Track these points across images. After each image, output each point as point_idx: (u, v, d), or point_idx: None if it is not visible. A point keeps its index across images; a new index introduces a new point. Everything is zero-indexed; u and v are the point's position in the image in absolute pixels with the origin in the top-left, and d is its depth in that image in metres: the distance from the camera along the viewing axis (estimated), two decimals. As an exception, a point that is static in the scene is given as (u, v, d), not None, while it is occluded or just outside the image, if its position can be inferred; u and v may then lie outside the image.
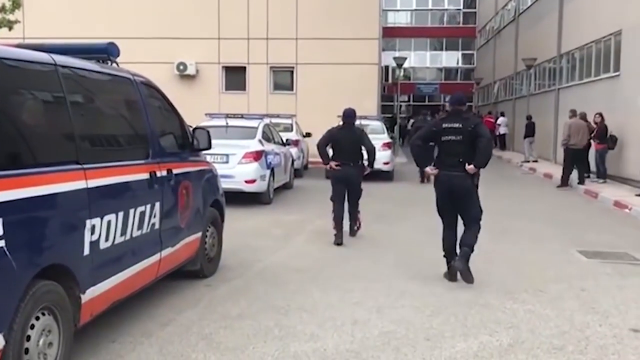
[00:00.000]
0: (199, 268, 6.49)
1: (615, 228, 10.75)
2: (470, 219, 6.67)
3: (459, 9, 56.63)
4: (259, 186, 12.12)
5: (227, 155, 11.86)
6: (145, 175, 5.10)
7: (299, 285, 6.51)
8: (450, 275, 6.78)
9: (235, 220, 9.60)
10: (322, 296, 6.12)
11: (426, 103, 52.28)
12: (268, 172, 12.42)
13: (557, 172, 18.72)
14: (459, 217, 6.78)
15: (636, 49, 15.65)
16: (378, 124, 18.48)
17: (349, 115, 8.93)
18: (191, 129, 6.41)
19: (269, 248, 8.36)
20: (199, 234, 6.34)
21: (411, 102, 55.88)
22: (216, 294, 6.15)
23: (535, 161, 23.14)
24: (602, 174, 16.14)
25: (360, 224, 9.33)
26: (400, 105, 29.92)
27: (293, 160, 15.70)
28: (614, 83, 17.19)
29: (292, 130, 18.20)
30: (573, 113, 17.08)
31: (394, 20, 56.20)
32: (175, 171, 5.65)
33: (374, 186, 13.09)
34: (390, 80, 33.44)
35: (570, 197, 14.93)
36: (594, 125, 16.12)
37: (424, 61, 57.24)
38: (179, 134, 6.21)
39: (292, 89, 24.23)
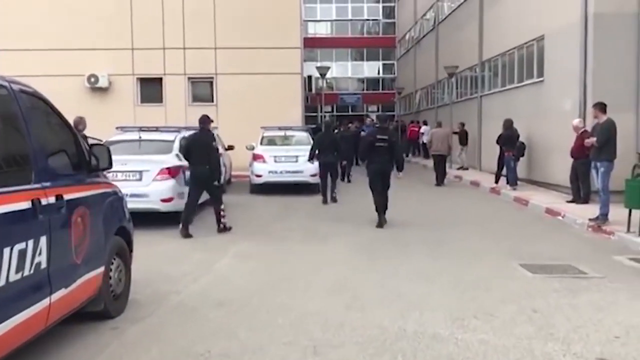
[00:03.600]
0: (102, 308, 5.53)
1: (551, 237, 10.42)
2: (385, 188, 11.32)
3: (378, 19, 57.01)
4: (177, 205, 11.10)
5: (140, 172, 10.87)
6: (25, 204, 4.14)
7: (221, 322, 5.66)
8: (380, 223, 10.93)
9: (149, 245, 8.66)
10: (249, 335, 5.28)
11: (350, 113, 52.18)
12: (186, 189, 11.44)
13: (484, 179, 18.61)
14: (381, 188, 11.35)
15: (559, 54, 15.60)
16: (304, 135, 17.80)
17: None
18: (88, 147, 5.45)
19: (187, 276, 7.45)
20: (101, 269, 5.38)
21: (334, 113, 55.68)
22: (124, 339, 5.22)
23: (466, 169, 23.00)
24: (511, 181, 16.23)
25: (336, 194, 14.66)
26: (325, 116, 29.37)
27: (214, 175, 14.70)
28: (538, 88, 17.13)
29: (213, 143, 17.17)
30: (438, 124, 21.19)
31: (314, 30, 55.98)
32: (67, 197, 4.69)
33: (297, 200, 12.37)
34: (313, 91, 32.90)
35: (500, 205, 14.66)
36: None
37: (346, 71, 57.32)
38: (73, 152, 5.24)
39: (212, 100, 23.15)
